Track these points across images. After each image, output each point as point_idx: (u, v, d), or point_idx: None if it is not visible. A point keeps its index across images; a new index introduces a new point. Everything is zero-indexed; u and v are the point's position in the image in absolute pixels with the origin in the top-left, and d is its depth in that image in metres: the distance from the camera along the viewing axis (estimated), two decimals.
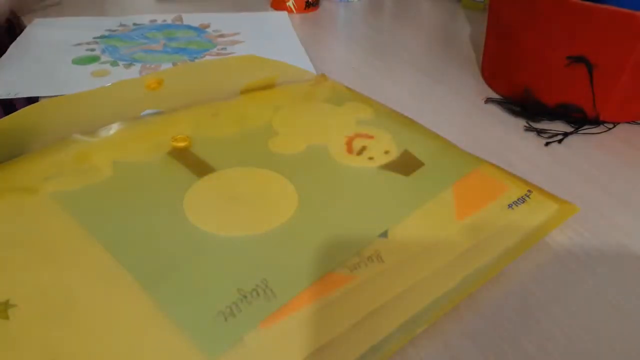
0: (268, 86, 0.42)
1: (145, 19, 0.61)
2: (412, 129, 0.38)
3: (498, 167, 0.34)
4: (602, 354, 0.23)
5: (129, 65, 0.48)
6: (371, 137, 0.36)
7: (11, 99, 0.40)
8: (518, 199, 0.30)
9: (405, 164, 0.33)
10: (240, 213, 0.29)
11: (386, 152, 0.34)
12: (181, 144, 0.33)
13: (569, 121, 0.43)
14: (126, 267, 0.25)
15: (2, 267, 0.24)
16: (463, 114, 0.44)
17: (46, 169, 0.31)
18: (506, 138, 0.40)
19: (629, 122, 0.43)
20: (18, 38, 0.52)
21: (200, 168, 0.32)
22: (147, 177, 0.31)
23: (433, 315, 0.24)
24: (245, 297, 0.23)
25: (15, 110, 0.33)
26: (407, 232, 0.28)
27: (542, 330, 0.24)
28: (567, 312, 0.25)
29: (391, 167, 0.33)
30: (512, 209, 0.30)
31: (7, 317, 0.22)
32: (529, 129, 0.42)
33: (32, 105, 0.32)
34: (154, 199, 0.29)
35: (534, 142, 0.40)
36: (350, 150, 0.34)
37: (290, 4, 0.66)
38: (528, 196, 0.31)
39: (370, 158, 0.33)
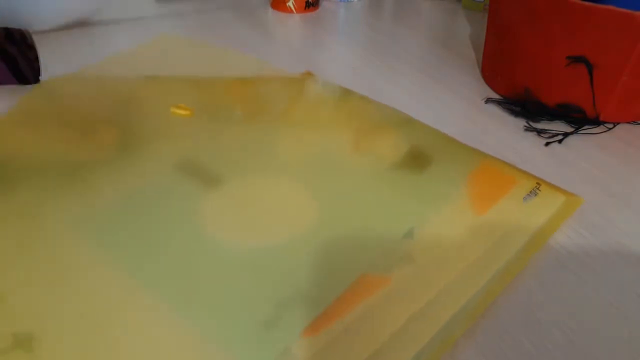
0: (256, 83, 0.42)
1: None
2: (413, 126, 0.38)
3: (502, 161, 0.34)
4: (602, 354, 0.23)
5: None
6: (376, 134, 0.36)
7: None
8: (530, 192, 0.31)
9: (415, 161, 0.33)
10: (261, 222, 0.28)
11: (393, 150, 0.34)
12: (183, 112, 0.32)
13: (569, 121, 0.43)
14: (153, 291, 0.24)
15: (23, 298, 0.24)
16: (463, 114, 0.44)
17: (51, 192, 0.30)
18: (506, 138, 0.40)
19: (629, 122, 0.43)
20: None
21: (210, 179, 0.31)
22: (158, 195, 0.30)
23: (470, 316, 0.23)
24: (283, 305, 0.23)
25: None
26: (431, 230, 0.28)
27: (542, 330, 0.24)
28: (567, 312, 0.25)
29: (402, 164, 0.33)
30: (527, 202, 0.30)
31: (31, 350, 0.21)
32: (529, 129, 0.42)
33: None
34: (170, 216, 0.28)
35: (534, 142, 0.40)
36: (357, 149, 0.34)
37: (290, 4, 0.66)
38: (538, 189, 0.31)
39: (379, 156, 0.33)
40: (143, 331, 0.22)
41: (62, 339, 0.22)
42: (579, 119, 0.42)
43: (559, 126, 0.42)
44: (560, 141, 0.40)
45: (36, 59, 0.41)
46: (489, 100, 0.46)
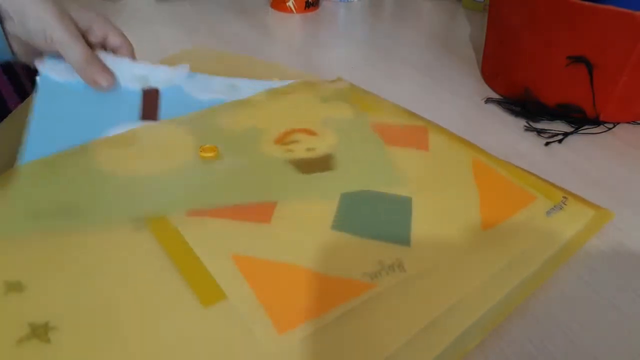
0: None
1: None
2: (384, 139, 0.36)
3: (525, 174, 0.34)
4: (602, 354, 0.23)
5: None
6: (314, 134, 0.36)
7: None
8: (555, 206, 0.30)
9: (313, 165, 0.33)
10: (135, 159, 0.32)
11: (308, 150, 0.34)
12: (209, 154, 0.33)
13: (569, 121, 0.43)
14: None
15: (42, 288, 0.24)
16: (463, 114, 0.44)
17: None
18: (506, 138, 0.40)
19: (629, 122, 0.43)
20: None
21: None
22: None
23: (482, 331, 0.23)
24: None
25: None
26: (429, 240, 0.27)
27: (542, 330, 0.24)
28: (567, 312, 0.25)
29: (297, 163, 0.33)
30: (551, 216, 0.29)
31: (48, 341, 0.21)
32: (529, 129, 0.42)
33: None
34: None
35: (534, 142, 0.40)
36: (279, 140, 0.35)
37: (290, 4, 0.66)
38: (565, 202, 0.30)
39: (290, 151, 0.34)
40: (159, 325, 0.22)
41: (80, 330, 0.22)
42: (579, 119, 0.42)
43: (559, 126, 0.42)
44: (560, 141, 0.40)
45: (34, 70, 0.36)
46: (489, 100, 0.46)
